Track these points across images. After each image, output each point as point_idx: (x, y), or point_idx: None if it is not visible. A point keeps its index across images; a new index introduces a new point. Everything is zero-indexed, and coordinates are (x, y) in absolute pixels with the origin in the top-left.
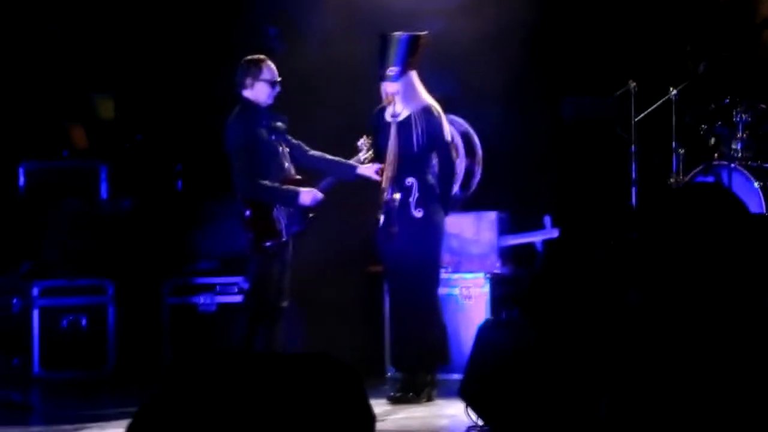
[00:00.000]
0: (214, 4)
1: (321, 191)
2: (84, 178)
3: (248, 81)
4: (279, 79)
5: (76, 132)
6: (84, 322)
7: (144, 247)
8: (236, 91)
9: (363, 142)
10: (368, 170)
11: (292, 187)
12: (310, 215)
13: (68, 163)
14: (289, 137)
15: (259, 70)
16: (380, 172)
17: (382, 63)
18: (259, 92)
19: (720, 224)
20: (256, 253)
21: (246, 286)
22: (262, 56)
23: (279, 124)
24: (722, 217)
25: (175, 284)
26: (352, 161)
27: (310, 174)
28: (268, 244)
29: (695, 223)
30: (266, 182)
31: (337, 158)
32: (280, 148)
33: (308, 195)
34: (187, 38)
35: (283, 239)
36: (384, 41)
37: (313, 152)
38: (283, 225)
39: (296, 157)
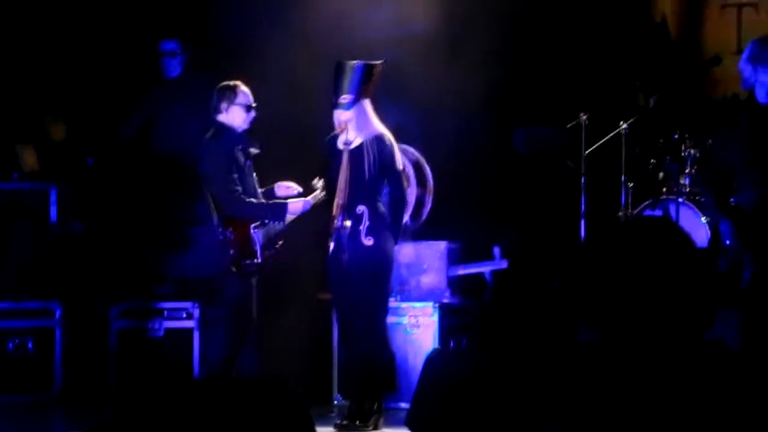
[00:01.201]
0: (173, 26)
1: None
2: (34, 201)
3: (223, 105)
4: (254, 104)
5: (27, 154)
6: (30, 345)
7: (93, 271)
8: (210, 116)
9: (317, 181)
10: (281, 192)
11: (278, 201)
12: (279, 243)
13: (18, 185)
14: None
15: (234, 94)
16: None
17: (336, 90)
18: (234, 116)
19: (667, 258)
20: (234, 273)
21: (214, 309)
22: (236, 81)
23: (252, 150)
24: (669, 251)
25: (124, 308)
26: (308, 198)
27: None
28: (247, 262)
29: (643, 257)
30: (252, 199)
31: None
32: (254, 175)
33: (297, 204)
34: (140, 60)
35: (259, 260)
36: (338, 69)
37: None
38: (259, 246)
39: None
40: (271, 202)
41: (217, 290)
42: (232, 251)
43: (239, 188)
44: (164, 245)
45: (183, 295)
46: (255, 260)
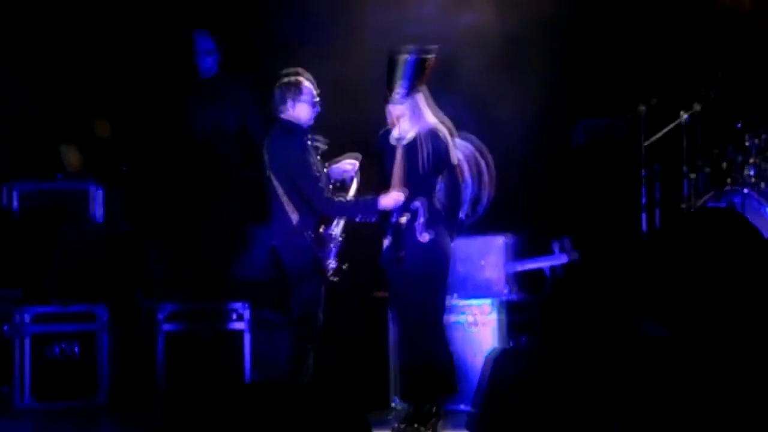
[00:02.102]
0: (219, 24)
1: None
2: (78, 201)
3: (289, 102)
4: (318, 97)
5: (71, 154)
6: (77, 349)
7: (140, 272)
8: (274, 113)
9: (352, 168)
10: (342, 165)
11: (365, 196)
12: (342, 235)
13: (62, 185)
14: None
15: (300, 90)
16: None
17: (389, 84)
18: (301, 113)
19: (734, 250)
20: (312, 275)
21: (268, 311)
22: (298, 74)
23: (320, 144)
24: (735, 242)
25: (172, 311)
26: (399, 192)
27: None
28: (331, 266)
29: (708, 249)
30: (341, 198)
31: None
32: (324, 170)
33: (389, 198)
34: (187, 62)
35: (336, 263)
36: (391, 61)
37: None
38: (335, 247)
39: None
40: (361, 198)
41: (279, 292)
42: (320, 253)
43: (324, 186)
44: (216, 246)
45: (233, 296)
46: (333, 262)
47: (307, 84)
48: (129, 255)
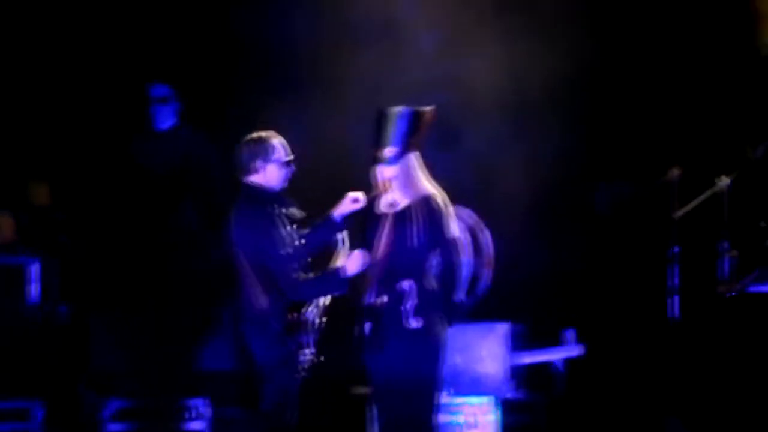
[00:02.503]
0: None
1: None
2: (11, 277)
3: (257, 164)
4: (292, 156)
5: (3, 222)
6: None
7: (82, 363)
8: (239, 176)
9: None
10: (345, 207)
11: (328, 268)
12: (323, 320)
13: None
14: None
15: (269, 149)
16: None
17: (378, 142)
18: (270, 175)
19: None
20: (285, 367)
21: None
22: (266, 132)
23: (293, 210)
24: None
25: (119, 407)
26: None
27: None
28: (306, 355)
29: (749, 343)
30: (305, 275)
31: (318, 222)
32: (301, 241)
33: (352, 263)
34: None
35: (313, 350)
36: (380, 117)
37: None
38: (313, 333)
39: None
40: (323, 273)
41: (246, 386)
42: (293, 344)
43: (294, 265)
44: (173, 332)
45: (191, 391)
46: (308, 351)
47: (277, 141)
48: (69, 341)
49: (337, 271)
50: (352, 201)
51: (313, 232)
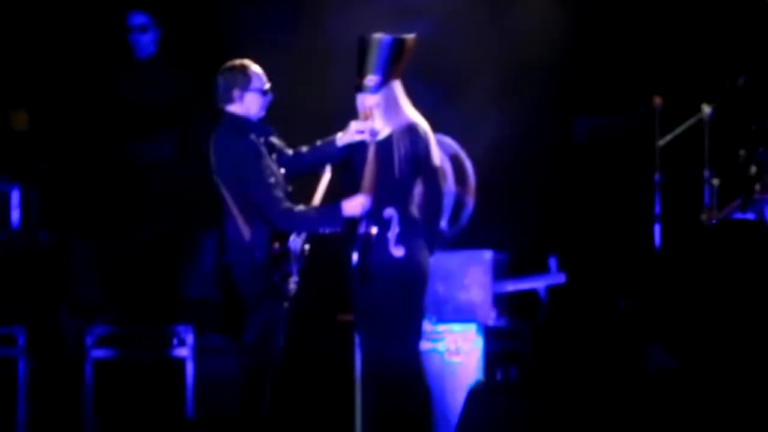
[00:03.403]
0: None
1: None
2: None
3: (235, 93)
4: (269, 85)
5: None
6: None
7: (64, 289)
8: (219, 105)
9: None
10: (349, 136)
11: (328, 203)
12: (306, 248)
13: None
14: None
15: (248, 78)
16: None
17: (360, 71)
18: (250, 104)
19: (761, 269)
20: (269, 297)
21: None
22: (245, 61)
23: (273, 139)
24: (764, 259)
25: (102, 333)
26: (366, 194)
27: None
28: (287, 284)
29: (731, 267)
30: (301, 207)
31: (319, 143)
32: (282, 170)
33: (354, 204)
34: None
35: (296, 279)
36: (362, 45)
37: (297, 152)
38: (295, 262)
39: (285, 168)
40: (323, 207)
41: (230, 313)
42: (278, 274)
43: (281, 194)
44: (155, 258)
45: (174, 318)
46: (292, 280)
47: (255, 70)
48: (51, 268)
49: (337, 207)
50: (357, 132)
51: (311, 152)
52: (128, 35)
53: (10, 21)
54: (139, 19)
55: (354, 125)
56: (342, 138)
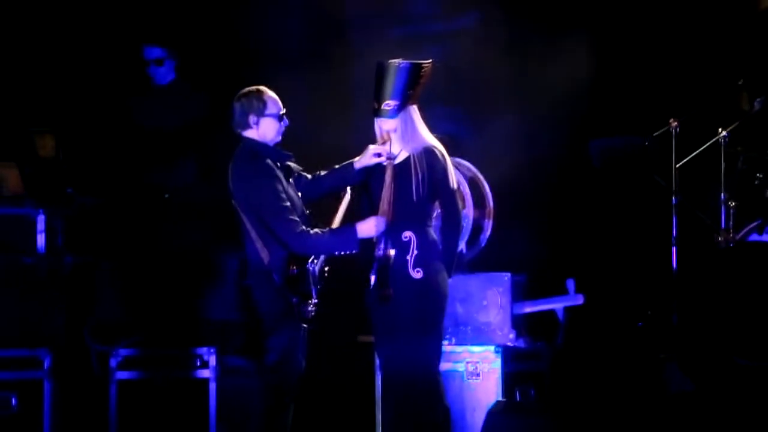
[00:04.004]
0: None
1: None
2: (17, 229)
3: (251, 119)
4: (284, 110)
5: (9, 174)
6: (14, 401)
7: (89, 313)
8: (236, 131)
9: (345, 193)
10: (366, 159)
11: (342, 226)
12: (326, 270)
13: None
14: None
15: (263, 103)
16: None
17: (378, 95)
18: (266, 130)
19: None
20: (289, 318)
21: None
22: (260, 87)
23: (291, 163)
24: None
25: (126, 356)
26: (380, 216)
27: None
28: (306, 307)
29: (748, 290)
30: (316, 230)
31: (336, 167)
32: (298, 194)
33: (368, 225)
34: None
35: (316, 301)
36: (380, 70)
37: (315, 176)
38: (314, 284)
39: (303, 191)
40: (337, 229)
41: (251, 335)
42: (296, 298)
43: (297, 218)
44: (178, 281)
45: (197, 340)
46: (312, 302)
47: (271, 95)
48: (76, 291)
49: (352, 229)
50: (375, 155)
51: (329, 176)
52: (146, 69)
53: (37, 49)
54: (154, 53)
55: (371, 149)
56: (359, 161)
